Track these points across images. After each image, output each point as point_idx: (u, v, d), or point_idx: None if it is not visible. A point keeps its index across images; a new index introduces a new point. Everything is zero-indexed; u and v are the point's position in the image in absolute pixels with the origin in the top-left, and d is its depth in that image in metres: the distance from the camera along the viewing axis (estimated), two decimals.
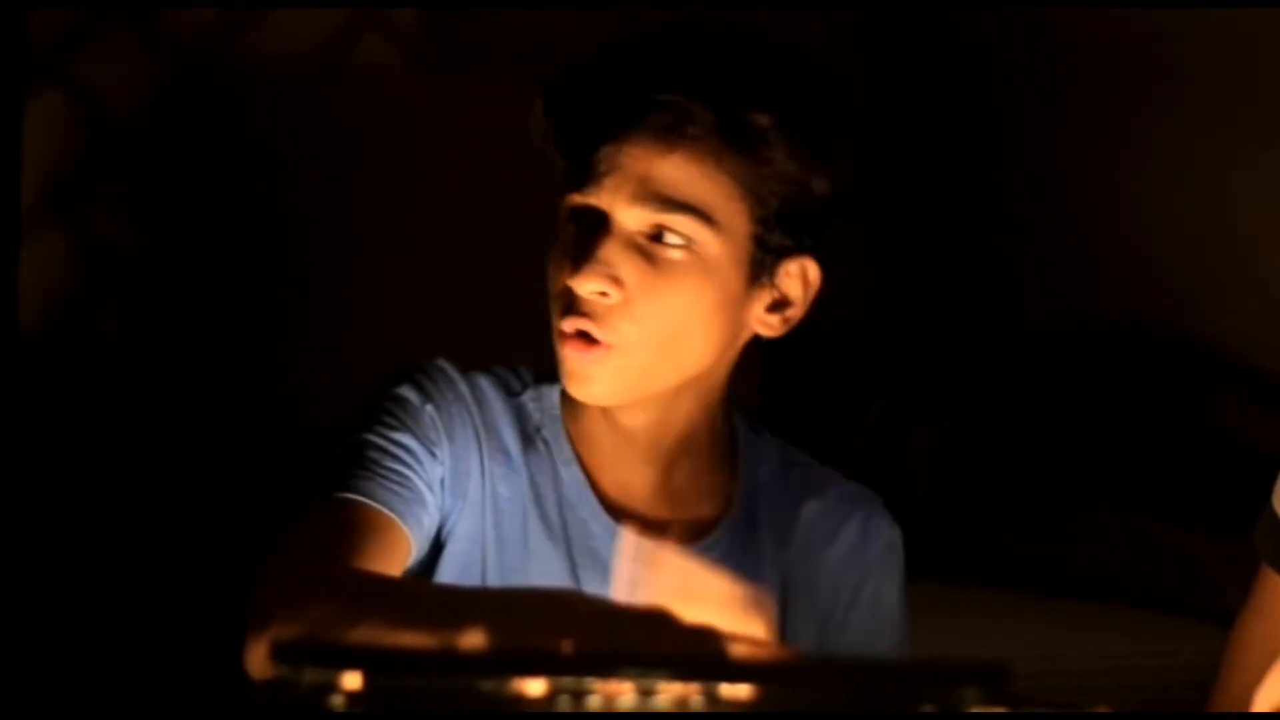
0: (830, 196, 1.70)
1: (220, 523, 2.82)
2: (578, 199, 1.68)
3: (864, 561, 1.80)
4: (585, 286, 1.65)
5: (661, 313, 1.66)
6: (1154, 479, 3.21)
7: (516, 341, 2.38)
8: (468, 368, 1.77)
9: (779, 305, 1.73)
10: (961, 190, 3.60)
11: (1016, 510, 3.31)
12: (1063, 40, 3.43)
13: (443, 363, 1.76)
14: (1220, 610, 2.89)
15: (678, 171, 1.66)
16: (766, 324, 1.73)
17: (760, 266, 1.71)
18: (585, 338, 1.66)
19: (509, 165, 3.08)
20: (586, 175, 1.67)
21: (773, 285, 1.72)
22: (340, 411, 1.76)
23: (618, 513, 1.75)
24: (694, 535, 1.75)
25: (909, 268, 3.68)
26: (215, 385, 3.01)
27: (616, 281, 1.65)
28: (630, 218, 1.66)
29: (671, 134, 1.66)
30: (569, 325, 1.66)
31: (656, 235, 1.66)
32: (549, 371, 1.79)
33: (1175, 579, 2.99)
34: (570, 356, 1.67)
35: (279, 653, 1.15)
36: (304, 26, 3.23)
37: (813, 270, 1.73)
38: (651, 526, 1.74)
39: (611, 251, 1.66)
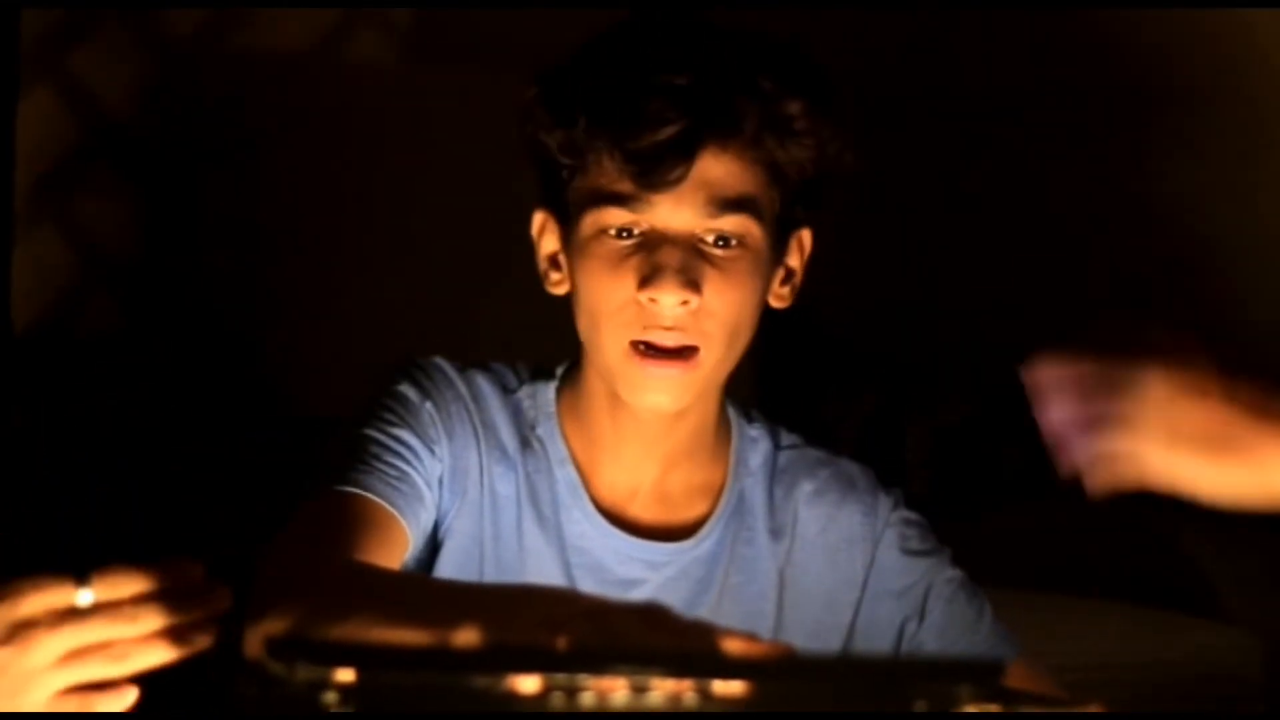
0: (841, 164, 1.71)
1: (215, 517, 2.81)
2: (626, 217, 1.65)
3: (873, 535, 1.79)
4: (670, 298, 1.63)
5: (729, 310, 1.66)
6: None
7: (513, 335, 2.37)
8: (464, 364, 1.77)
9: (787, 277, 1.75)
10: (956, 181, 3.60)
11: (1011, 502, 3.31)
12: (1054, 36, 3.43)
13: (440, 360, 1.76)
14: (1212, 603, 2.90)
15: (727, 171, 1.65)
16: (780, 297, 1.76)
17: (780, 244, 1.72)
18: (668, 351, 1.65)
19: (505, 160, 3.08)
20: (630, 191, 1.64)
21: (783, 260, 1.74)
22: (335, 405, 1.76)
23: (611, 513, 1.74)
24: (687, 532, 1.75)
25: (902, 260, 3.68)
26: (207, 380, 3.01)
27: (696, 288, 1.64)
28: (691, 224, 1.65)
29: (728, 136, 1.65)
30: (656, 339, 1.64)
31: (713, 236, 1.66)
32: (544, 368, 1.79)
33: (1168, 573, 2.99)
34: (654, 372, 1.65)
35: (272, 649, 1.15)
36: (297, 22, 3.23)
37: (807, 237, 1.76)
38: (645, 525, 1.75)
39: (679, 258, 1.64)
